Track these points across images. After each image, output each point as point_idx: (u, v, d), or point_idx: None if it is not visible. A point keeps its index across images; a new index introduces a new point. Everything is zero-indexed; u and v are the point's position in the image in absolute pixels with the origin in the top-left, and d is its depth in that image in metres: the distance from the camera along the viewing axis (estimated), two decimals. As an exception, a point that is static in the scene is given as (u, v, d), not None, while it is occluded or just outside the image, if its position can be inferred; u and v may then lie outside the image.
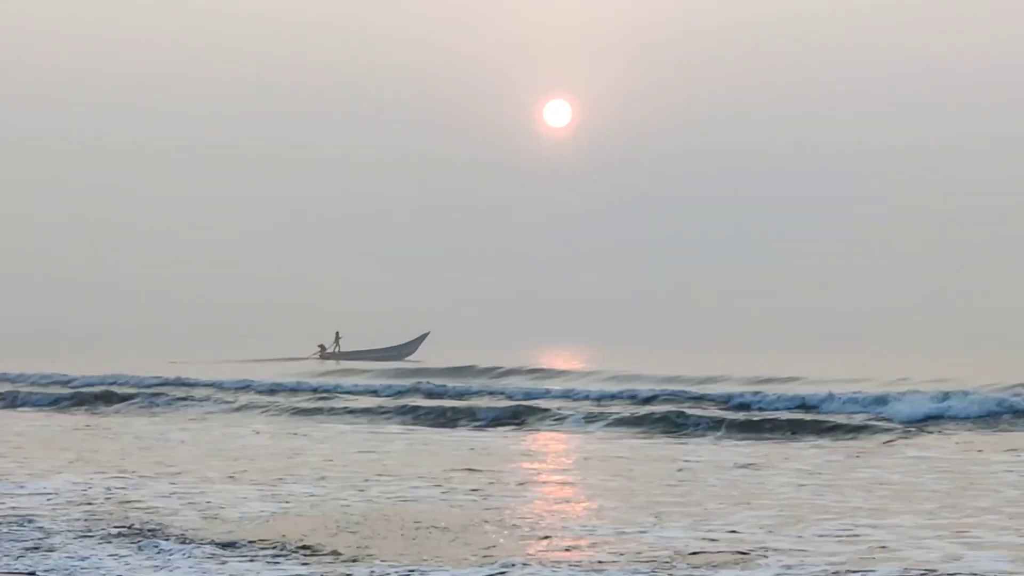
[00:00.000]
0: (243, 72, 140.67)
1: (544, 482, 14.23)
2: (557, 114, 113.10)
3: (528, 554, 8.98)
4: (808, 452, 17.51)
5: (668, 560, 8.67)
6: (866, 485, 13.17)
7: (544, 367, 44.91)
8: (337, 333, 66.27)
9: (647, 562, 8.60)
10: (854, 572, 8.15)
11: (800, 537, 9.64)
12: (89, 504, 11.90)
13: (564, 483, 14.14)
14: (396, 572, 8.27)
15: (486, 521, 10.68)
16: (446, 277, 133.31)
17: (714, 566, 8.43)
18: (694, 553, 8.97)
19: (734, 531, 10.02)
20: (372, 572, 8.27)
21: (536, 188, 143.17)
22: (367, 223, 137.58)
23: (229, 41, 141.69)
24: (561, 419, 24.08)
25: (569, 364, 50.39)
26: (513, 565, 8.46)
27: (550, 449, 19.25)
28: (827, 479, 13.88)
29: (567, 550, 9.17)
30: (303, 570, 8.47)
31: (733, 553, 8.94)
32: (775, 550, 9.03)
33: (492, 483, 13.56)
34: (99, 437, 21.29)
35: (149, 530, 10.20)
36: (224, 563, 8.73)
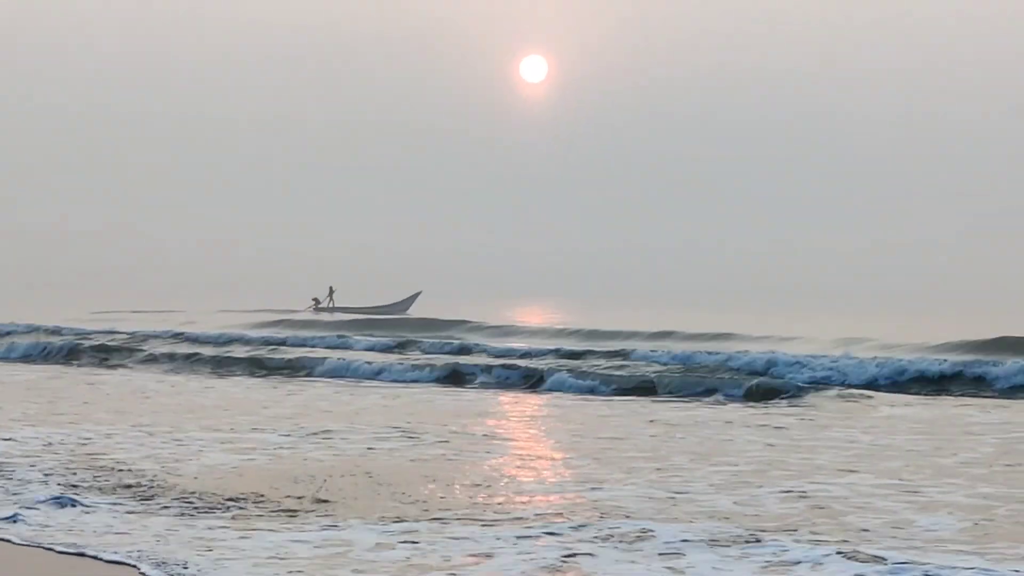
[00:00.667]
0: (232, 36, 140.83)
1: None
2: (533, 69, 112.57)
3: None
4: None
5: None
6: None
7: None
8: (331, 288, 66.94)
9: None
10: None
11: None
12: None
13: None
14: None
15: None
16: (426, 233, 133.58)
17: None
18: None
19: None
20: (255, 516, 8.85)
21: (513, 142, 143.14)
22: (347, 180, 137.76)
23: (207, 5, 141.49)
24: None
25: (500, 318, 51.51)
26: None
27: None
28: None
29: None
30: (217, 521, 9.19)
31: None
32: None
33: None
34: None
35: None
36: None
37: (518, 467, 12.22)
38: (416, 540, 8.28)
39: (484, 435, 15.08)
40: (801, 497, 10.22)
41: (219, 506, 9.87)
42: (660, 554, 7.86)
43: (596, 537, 8.38)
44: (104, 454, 12.76)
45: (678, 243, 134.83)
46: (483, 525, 8.83)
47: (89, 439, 14.01)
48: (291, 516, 9.31)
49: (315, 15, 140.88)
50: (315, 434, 14.69)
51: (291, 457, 12.72)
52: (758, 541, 8.12)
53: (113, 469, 11.71)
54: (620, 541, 8.19)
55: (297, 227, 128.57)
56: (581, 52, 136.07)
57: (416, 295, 68.00)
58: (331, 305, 66.36)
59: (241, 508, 9.62)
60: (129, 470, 11.58)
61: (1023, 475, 11.74)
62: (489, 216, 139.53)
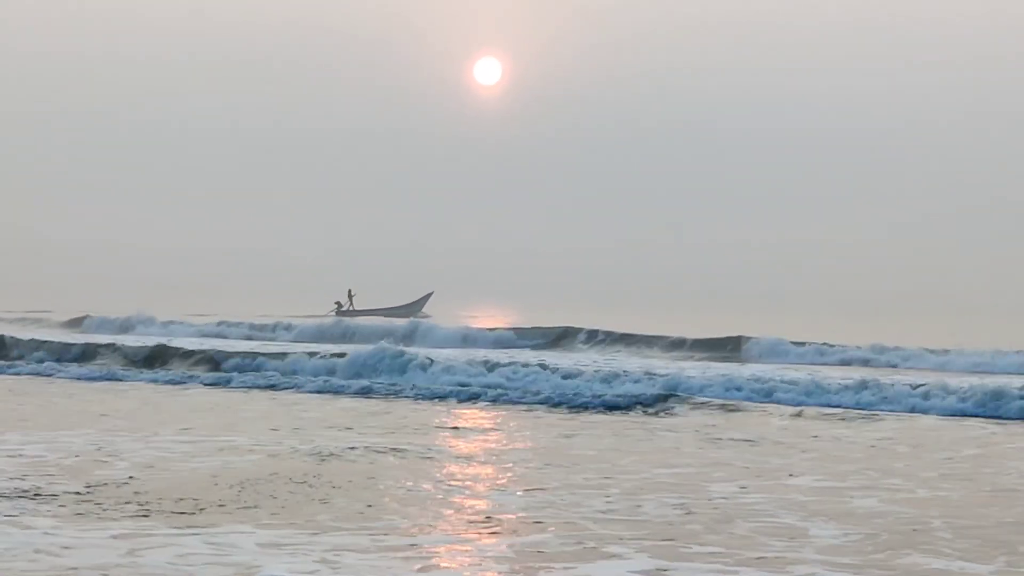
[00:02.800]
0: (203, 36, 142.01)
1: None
2: (488, 71, 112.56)
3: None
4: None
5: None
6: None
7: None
8: (350, 291, 68.70)
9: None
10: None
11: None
12: None
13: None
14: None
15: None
16: (378, 234, 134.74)
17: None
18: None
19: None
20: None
21: (468, 145, 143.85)
22: (295, 182, 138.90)
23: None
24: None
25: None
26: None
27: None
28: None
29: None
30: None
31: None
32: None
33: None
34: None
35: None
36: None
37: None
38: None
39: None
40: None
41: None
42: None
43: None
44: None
45: (631, 243, 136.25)
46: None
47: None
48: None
49: (262, 16, 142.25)
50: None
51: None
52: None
53: None
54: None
55: (247, 230, 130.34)
56: (534, 53, 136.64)
57: (428, 295, 69.86)
58: (352, 308, 68.30)
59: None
60: None
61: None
62: (443, 217, 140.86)
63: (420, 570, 7.59)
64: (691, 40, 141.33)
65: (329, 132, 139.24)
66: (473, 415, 18.60)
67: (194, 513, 9.46)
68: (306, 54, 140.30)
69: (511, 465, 12.65)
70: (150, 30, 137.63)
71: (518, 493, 10.72)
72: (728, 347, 36.26)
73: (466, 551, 8.17)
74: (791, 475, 12.00)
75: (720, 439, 15.33)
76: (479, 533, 8.79)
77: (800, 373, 25.45)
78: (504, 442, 15.00)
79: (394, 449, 13.69)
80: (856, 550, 8.38)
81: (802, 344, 35.25)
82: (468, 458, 13.24)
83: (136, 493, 10.37)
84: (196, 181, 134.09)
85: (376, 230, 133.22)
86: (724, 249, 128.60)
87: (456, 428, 16.52)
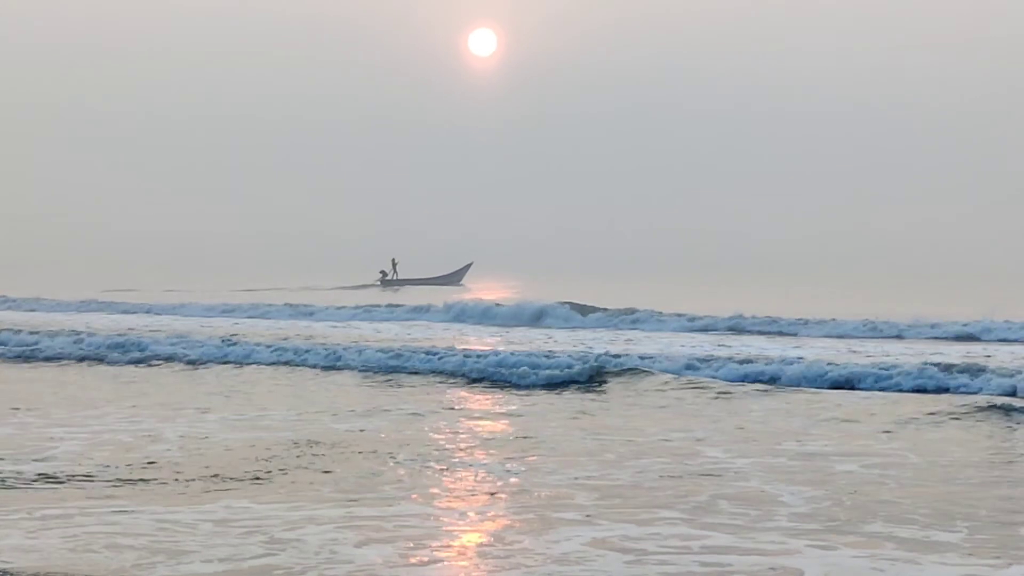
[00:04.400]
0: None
1: None
2: (482, 43, 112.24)
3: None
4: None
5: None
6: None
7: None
8: (394, 260, 70.38)
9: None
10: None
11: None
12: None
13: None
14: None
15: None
16: (377, 206, 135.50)
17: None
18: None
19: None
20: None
21: (462, 117, 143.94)
22: (294, 159, 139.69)
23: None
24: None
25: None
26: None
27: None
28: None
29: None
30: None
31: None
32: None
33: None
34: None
35: None
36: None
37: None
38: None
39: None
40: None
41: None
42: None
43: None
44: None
45: (631, 219, 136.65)
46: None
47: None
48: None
49: None
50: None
51: None
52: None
53: None
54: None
55: (248, 208, 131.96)
56: (531, 26, 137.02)
57: (468, 266, 71.40)
58: (396, 277, 70.14)
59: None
60: None
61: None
62: (437, 190, 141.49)
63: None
64: (690, 19, 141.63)
65: (324, 109, 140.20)
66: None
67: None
68: (295, 30, 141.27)
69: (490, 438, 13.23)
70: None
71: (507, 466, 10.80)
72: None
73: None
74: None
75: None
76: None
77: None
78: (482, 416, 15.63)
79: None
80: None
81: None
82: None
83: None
84: (194, 167, 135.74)
85: (374, 203, 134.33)
86: (724, 223, 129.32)
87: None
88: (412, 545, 7.48)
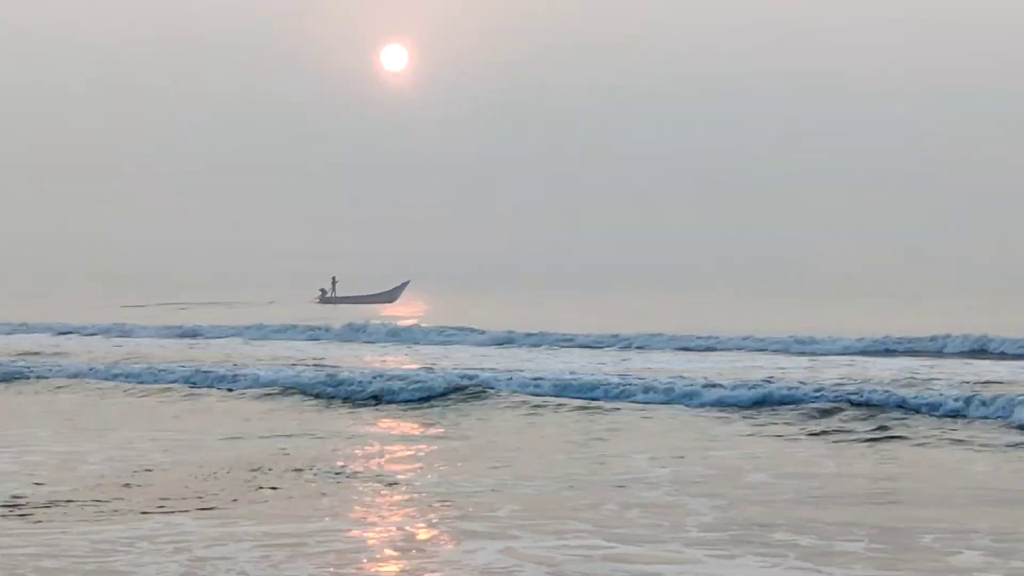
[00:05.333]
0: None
1: None
2: (394, 59, 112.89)
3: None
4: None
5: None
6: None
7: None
8: (334, 278, 70.23)
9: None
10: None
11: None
12: None
13: None
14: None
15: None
16: (285, 222, 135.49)
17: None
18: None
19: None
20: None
21: (375, 133, 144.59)
22: (206, 174, 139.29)
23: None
24: None
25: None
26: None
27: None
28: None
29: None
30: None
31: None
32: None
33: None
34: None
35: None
36: None
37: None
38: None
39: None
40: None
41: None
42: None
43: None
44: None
45: (538, 231, 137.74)
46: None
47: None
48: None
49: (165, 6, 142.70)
50: None
51: None
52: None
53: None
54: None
55: (159, 222, 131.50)
56: (440, 40, 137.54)
57: (405, 284, 71.64)
58: (335, 295, 70.17)
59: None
60: None
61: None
62: (349, 205, 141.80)
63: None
64: (602, 17, 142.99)
65: (237, 107, 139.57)
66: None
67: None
68: (212, 44, 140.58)
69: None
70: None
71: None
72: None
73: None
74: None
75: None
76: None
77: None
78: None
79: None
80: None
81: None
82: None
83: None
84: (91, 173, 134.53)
85: (282, 220, 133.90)
86: (631, 231, 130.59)
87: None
88: (337, 561, 7.82)
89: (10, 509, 9.65)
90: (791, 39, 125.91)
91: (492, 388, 19.14)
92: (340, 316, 46.76)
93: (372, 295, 69.09)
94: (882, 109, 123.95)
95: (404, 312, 55.62)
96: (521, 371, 21.81)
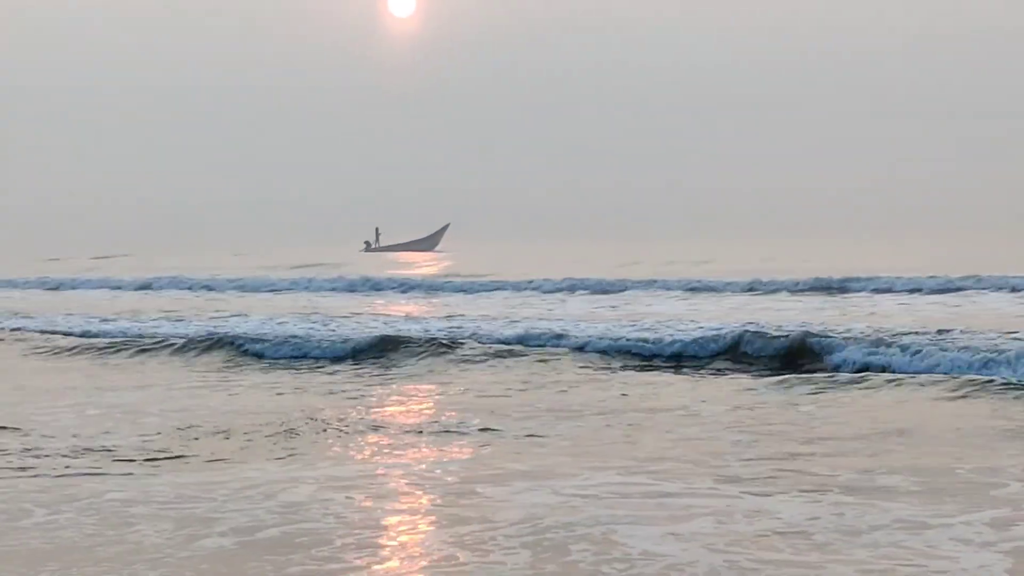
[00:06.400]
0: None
1: None
2: (402, 4, 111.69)
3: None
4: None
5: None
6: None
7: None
8: (377, 229, 71.41)
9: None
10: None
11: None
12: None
13: None
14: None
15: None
16: (294, 165, 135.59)
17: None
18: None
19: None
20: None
21: (384, 79, 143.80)
22: (208, 126, 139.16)
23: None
24: None
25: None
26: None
27: None
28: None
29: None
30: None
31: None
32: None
33: None
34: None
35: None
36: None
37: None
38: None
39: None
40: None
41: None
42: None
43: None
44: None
45: (549, 180, 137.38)
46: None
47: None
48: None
49: None
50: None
51: None
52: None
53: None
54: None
55: (169, 174, 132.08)
56: None
57: (445, 227, 72.45)
58: (379, 245, 71.11)
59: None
60: None
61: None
62: (359, 152, 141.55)
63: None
64: None
65: (245, 57, 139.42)
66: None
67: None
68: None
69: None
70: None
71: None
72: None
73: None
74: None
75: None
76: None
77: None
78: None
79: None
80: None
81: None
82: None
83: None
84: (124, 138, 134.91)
85: (293, 168, 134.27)
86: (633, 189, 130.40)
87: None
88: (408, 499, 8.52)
89: (94, 459, 10.29)
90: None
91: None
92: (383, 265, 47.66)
93: (413, 242, 69.88)
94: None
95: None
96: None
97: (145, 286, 42.36)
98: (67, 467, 9.85)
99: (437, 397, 14.25)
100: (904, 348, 15.73)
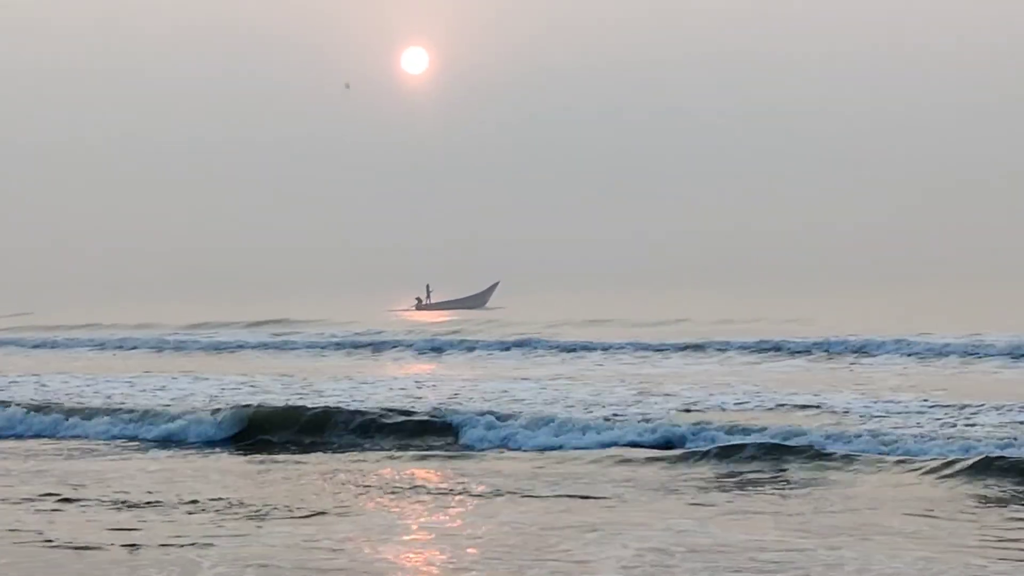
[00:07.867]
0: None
1: None
2: (414, 61, 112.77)
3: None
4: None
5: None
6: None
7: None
8: (428, 286, 72.10)
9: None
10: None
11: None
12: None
13: None
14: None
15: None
16: (311, 229, 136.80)
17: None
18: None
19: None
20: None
21: (396, 135, 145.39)
22: (226, 184, 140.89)
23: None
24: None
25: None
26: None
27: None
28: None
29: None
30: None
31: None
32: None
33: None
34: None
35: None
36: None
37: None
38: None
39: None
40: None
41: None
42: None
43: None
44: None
45: (561, 233, 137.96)
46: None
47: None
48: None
49: (188, 10, 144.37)
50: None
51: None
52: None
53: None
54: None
55: (188, 230, 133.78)
56: (461, 42, 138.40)
57: (495, 285, 72.87)
58: (430, 301, 71.88)
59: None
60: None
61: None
62: (373, 209, 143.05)
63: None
64: (622, 27, 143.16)
65: (258, 112, 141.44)
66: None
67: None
68: (233, 51, 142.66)
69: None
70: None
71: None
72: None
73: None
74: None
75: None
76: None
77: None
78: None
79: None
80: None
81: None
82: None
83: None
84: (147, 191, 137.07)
85: (309, 224, 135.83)
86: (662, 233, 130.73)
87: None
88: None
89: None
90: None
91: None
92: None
93: (465, 299, 70.75)
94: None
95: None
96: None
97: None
98: None
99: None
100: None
